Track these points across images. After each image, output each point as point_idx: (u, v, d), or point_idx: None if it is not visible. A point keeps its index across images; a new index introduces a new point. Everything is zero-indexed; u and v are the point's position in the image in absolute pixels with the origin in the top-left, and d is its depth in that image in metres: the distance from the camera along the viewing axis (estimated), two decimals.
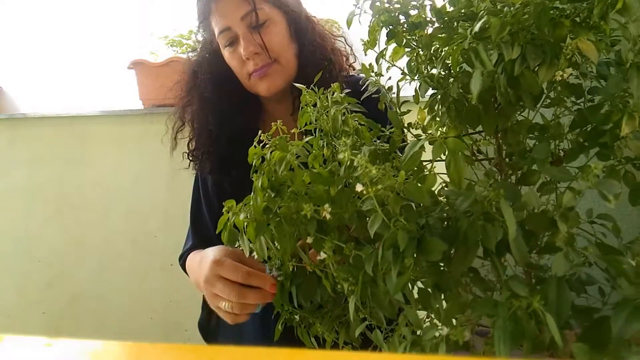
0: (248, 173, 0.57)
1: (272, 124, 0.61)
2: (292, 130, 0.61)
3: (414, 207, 0.42)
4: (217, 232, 0.59)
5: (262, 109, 1.10)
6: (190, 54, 1.18)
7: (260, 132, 0.58)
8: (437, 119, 0.56)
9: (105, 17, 2.14)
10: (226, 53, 1.00)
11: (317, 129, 0.58)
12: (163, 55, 1.95)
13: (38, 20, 2.19)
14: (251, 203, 0.53)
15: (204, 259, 0.76)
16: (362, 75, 0.63)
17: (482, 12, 0.46)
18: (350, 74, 1.10)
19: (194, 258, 0.94)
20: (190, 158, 1.08)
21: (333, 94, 0.57)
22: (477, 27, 0.40)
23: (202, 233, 1.10)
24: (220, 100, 1.03)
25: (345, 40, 1.12)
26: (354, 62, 1.13)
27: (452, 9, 0.52)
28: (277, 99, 1.04)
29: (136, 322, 1.99)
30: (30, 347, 0.34)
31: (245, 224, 0.53)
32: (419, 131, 0.58)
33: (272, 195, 0.50)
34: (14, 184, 2.04)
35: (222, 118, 1.02)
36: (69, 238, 2.02)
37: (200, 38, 1.11)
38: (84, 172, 2.01)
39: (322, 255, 0.47)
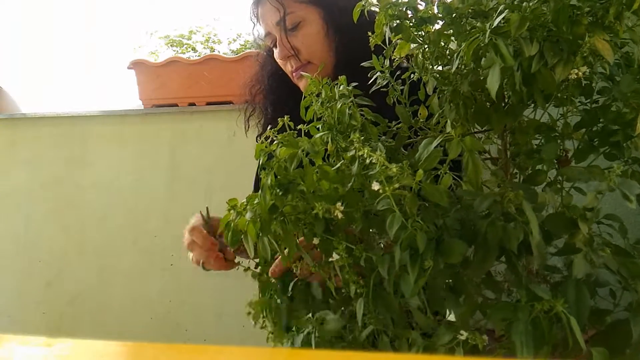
0: None
1: (279, 119, 0.61)
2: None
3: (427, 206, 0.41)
4: None
5: None
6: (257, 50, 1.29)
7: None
8: (443, 116, 0.56)
9: (105, 17, 2.13)
10: (274, 54, 1.10)
11: (322, 124, 0.57)
12: (163, 55, 1.94)
13: (38, 20, 2.18)
14: (256, 201, 0.52)
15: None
16: None
17: (491, 9, 0.46)
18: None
19: None
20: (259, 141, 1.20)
21: (340, 87, 0.55)
22: (495, 22, 0.39)
23: None
24: (277, 90, 1.13)
25: None
26: None
27: (461, 5, 0.51)
28: None
29: (136, 322, 1.98)
30: (30, 347, 0.34)
31: (247, 223, 0.52)
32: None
33: (280, 194, 0.49)
34: (14, 184, 2.03)
35: (277, 105, 1.13)
36: (69, 238, 2.00)
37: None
38: (84, 172, 1.99)
39: (335, 257, 0.46)
